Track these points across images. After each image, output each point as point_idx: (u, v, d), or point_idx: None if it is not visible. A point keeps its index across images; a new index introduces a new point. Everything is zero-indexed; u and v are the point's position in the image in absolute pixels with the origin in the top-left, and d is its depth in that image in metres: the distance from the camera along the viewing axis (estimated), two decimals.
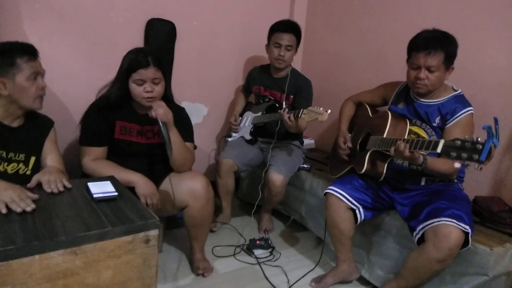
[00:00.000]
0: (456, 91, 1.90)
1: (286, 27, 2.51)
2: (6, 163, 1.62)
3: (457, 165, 1.44)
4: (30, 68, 1.54)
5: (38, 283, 1.09)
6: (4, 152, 1.61)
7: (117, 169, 1.81)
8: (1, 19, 2.04)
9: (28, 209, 1.26)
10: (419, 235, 1.70)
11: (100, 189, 1.42)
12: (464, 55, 2.12)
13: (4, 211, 1.24)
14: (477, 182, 2.15)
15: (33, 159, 1.69)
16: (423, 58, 1.77)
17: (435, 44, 1.75)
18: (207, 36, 2.85)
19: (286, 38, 2.49)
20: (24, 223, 1.17)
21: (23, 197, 1.30)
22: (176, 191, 1.90)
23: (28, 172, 1.68)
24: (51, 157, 1.73)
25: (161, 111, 1.76)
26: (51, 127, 1.78)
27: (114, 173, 1.68)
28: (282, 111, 2.29)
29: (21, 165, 1.66)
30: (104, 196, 1.39)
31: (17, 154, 1.64)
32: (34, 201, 1.31)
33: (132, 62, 1.80)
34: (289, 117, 2.20)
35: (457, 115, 1.81)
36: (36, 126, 1.72)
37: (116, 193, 1.42)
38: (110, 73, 1.92)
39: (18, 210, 1.25)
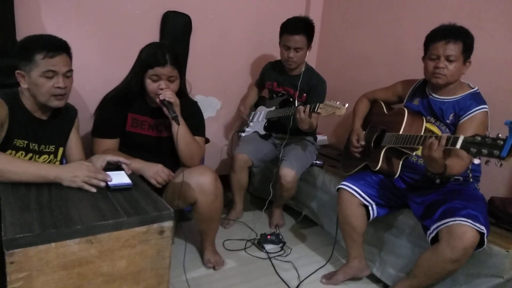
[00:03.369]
0: (472, 88, 1.87)
1: (294, 29, 2.43)
2: (37, 156, 1.64)
3: (477, 161, 1.42)
4: (46, 66, 1.50)
5: (54, 271, 1.11)
6: (36, 145, 1.62)
7: (123, 157, 1.76)
8: (20, 9, 2.06)
9: (102, 184, 1.39)
10: (433, 235, 1.68)
11: (116, 178, 1.43)
12: (484, 52, 2.09)
13: (94, 190, 1.36)
14: (493, 182, 2.12)
15: (61, 150, 1.72)
16: (442, 47, 1.77)
17: (454, 34, 1.77)
18: (222, 29, 2.84)
19: (294, 40, 2.42)
20: (41, 211, 1.18)
21: (96, 171, 1.42)
22: (184, 186, 1.90)
23: (57, 163, 1.70)
24: (76, 146, 1.77)
25: (168, 93, 1.80)
26: (76, 116, 1.80)
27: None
28: (298, 106, 2.26)
29: (51, 156, 1.68)
30: (120, 186, 1.40)
31: (47, 146, 1.66)
32: (51, 189, 1.33)
33: (150, 58, 1.81)
34: (304, 110, 2.17)
35: (470, 112, 1.80)
36: (64, 117, 1.73)
37: (131, 183, 1.43)
38: (124, 64, 1.92)
39: (102, 184, 1.39)
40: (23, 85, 1.55)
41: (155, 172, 1.81)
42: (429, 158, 1.60)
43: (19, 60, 1.52)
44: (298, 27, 2.44)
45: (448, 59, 1.77)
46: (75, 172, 1.37)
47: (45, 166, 1.43)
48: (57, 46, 1.53)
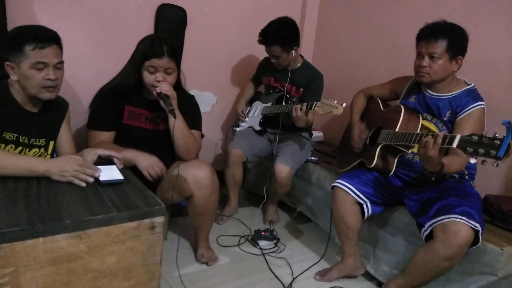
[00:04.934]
0: (469, 85, 1.86)
1: (267, 40, 2.41)
2: (27, 149, 1.61)
3: (473, 160, 1.40)
4: (36, 57, 1.46)
5: (42, 266, 1.08)
6: (26, 138, 1.59)
7: (114, 149, 1.73)
8: (12, 1, 2.02)
9: (90, 179, 1.35)
10: (427, 232, 1.67)
11: (107, 173, 1.41)
12: (481, 50, 2.08)
13: (83, 184, 1.33)
14: (488, 180, 2.11)
15: (52, 143, 1.69)
16: (425, 46, 1.78)
17: (436, 32, 1.76)
18: (218, 23, 2.81)
19: (271, 50, 2.43)
20: (29, 205, 1.16)
21: (85, 165, 1.38)
22: (180, 179, 1.88)
23: (48, 157, 1.67)
24: (67, 139, 1.74)
25: (165, 85, 1.78)
26: (67, 109, 1.76)
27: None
28: (293, 104, 2.25)
29: (42, 150, 1.66)
30: (111, 180, 1.38)
31: (38, 139, 1.63)
32: (40, 182, 1.31)
33: (147, 50, 1.79)
34: (300, 109, 2.16)
35: (467, 108, 1.78)
36: (54, 110, 1.70)
37: (122, 178, 1.40)
38: (118, 57, 1.90)
39: (90, 179, 1.35)
40: (13, 77, 1.51)
41: (150, 164, 1.78)
42: (425, 157, 1.58)
43: (9, 52, 1.48)
44: (270, 39, 2.40)
45: (431, 57, 1.77)
46: (64, 166, 1.34)
47: (34, 159, 1.40)
48: (47, 37, 1.49)
